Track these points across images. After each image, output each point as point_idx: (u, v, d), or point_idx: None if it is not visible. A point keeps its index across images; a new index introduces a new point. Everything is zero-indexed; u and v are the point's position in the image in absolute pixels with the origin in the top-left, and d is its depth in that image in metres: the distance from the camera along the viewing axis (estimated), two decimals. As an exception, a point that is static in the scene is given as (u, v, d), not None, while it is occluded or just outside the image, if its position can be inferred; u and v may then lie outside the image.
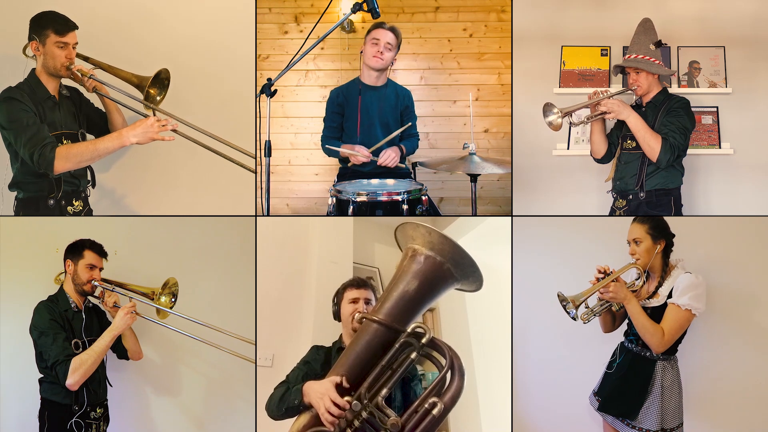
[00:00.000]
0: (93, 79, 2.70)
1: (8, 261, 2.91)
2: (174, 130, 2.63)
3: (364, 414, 1.79)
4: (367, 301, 2.34)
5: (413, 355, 1.83)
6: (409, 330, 1.85)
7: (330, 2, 2.99)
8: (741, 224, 2.90)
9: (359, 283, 2.41)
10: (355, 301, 2.34)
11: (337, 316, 2.42)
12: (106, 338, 2.52)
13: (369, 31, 3.24)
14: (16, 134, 2.55)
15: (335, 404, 1.78)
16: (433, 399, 1.76)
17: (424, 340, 1.83)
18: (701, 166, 3.22)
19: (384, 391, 1.82)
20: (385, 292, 1.95)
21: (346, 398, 1.80)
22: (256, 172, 2.68)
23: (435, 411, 1.75)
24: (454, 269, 1.90)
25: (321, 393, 1.83)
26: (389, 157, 3.14)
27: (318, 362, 2.25)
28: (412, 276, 1.91)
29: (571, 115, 2.87)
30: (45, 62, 2.64)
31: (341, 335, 2.39)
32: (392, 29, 3.20)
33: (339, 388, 1.83)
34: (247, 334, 2.73)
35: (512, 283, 2.97)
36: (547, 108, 2.83)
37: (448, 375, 1.81)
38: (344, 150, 3.16)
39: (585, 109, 2.92)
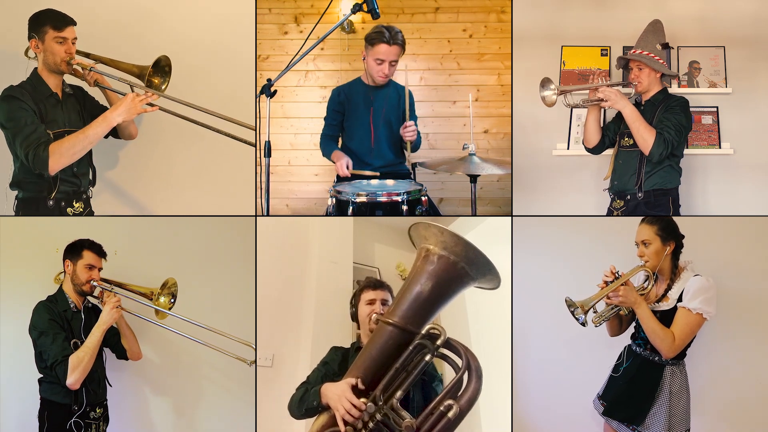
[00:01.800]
0: (94, 71, 2.71)
1: (8, 261, 2.90)
2: (150, 104, 2.64)
3: (379, 416, 1.79)
4: (384, 302, 2.35)
5: (427, 357, 1.82)
6: (423, 332, 1.84)
7: (330, 3, 2.99)
8: (745, 225, 2.89)
9: (376, 284, 2.41)
10: (371, 302, 2.35)
11: (354, 317, 2.43)
12: (96, 333, 2.52)
13: (372, 43, 3.08)
14: (14, 134, 2.56)
15: (354, 406, 1.79)
16: (449, 401, 1.74)
17: (439, 342, 1.81)
18: (701, 166, 3.22)
19: (399, 393, 1.81)
20: (400, 294, 1.93)
21: (362, 399, 1.80)
22: (256, 146, 2.66)
23: (450, 414, 1.73)
24: (469, 268, 1.87)
25: (338, 395, 1.83)
26: (412, 128, 3.16)
27: (336, 362, 2.26)
28: (427, 277, 1.88)
29: (566, 96, 2.86)
30: (45, 59, 2.65)
31: (359, 336, 2.39)
32: (398, 43, 3.07)
33: (354, 389, 1.83)
34: (247, 335, 2.72)
35: (512, 283, 2.97)
36: (545, 82, 2.81)
37: (465, 376, 1.79)
38: (333, 157, 3.19)
39: (583, 94, 2.91)
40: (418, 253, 1.97)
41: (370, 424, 1.78)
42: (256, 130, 2.64)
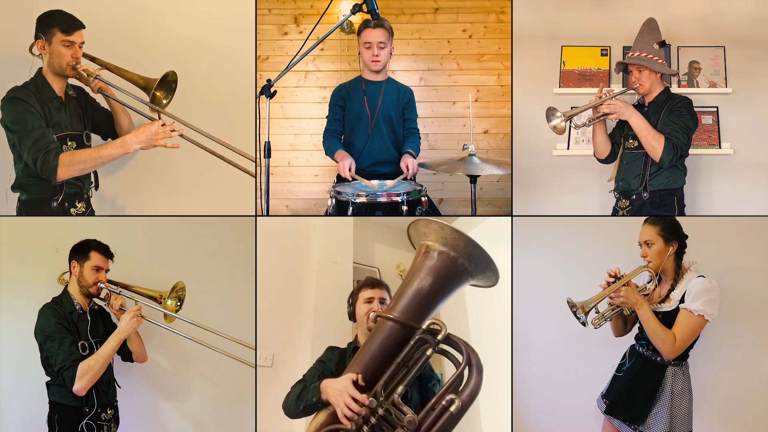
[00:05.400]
0: (98, 80, 2.68)
1: (11, 261, 2.89)
2: (180, 135, 2.61)
3: (380, 411, 1.78)
4: (382, 301, 2.34)
5: (429, 352, 1.82)
6: (424, 327, 1.84)
7: (330, 3, 2.99)
8: (747, 225, 2.89)
9: (374, 282, 2.41)
10: (370, 300, 2.34)
11: (352, 316, 2.42)
12: (113, 342, 2.49)
13: (359, 33, 3.24)
14: (21, 137, 2.53)
15: (355, 400, 1.78)
16: (451, 396, 1.74)
17: (439, 337, 1.81)
18: (701, 166, 3.22)
19: (400, 389, 1.81)
20: (399, 290, 1.94)
21: (363, 395, 1.80)
22: (256, 176, 2.67)
23: (452, 408, 1.73)
24: (468, 264, 1.88)
25: (339, 390, 1.82)
26: (413, 164, 3.15)
27: (333, 362, 2.25)
28: (426, 272, 1.89)
29: (573, 118, 2.87)
30: (51, 61, 2.62)
31: (356, 336, 2.39)
32: (379, 25, 3.16)
33: (355, 385, 1.82)
34: (246, 335, 2.72)
35: (512, 283, 2.97)
36: (550, 112, 2.81)
37: (466, 371, 1.79)
38: (337, 156, 3.19)
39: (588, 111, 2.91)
40: (417, 250, 1.97)
41: (372, 420, 1.78)
42: (256, 149, 2.65)
